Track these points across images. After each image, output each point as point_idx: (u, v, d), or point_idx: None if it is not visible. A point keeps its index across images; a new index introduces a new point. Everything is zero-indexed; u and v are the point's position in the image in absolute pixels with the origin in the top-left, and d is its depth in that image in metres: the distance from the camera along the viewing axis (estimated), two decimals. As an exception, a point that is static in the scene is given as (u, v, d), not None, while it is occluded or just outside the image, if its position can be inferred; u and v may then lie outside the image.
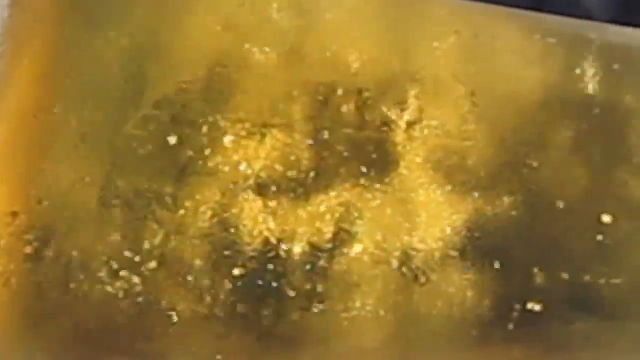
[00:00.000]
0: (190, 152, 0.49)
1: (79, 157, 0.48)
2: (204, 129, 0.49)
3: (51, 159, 0.48)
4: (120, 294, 0.48)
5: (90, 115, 0.49)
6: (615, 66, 0.52)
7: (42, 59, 0.49)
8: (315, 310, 0.49)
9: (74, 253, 0.48)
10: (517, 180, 0.50)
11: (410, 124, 0.50)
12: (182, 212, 0.48)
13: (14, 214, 0.48)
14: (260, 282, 0.49)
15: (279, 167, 0.49)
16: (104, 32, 0.49)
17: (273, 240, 0.49)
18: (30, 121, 0.49)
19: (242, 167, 0.49)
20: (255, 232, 0.49)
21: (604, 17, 0.66)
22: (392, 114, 0.50)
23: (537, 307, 0.50)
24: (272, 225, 0.49)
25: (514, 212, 0.50)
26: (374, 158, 0.49)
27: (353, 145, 0.49)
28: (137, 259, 0.48)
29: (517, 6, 0.53)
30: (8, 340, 0.49)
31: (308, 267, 0.49)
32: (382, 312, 0.49)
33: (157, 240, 0.48)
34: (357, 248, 0.49)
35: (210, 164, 0.49)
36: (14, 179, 0.49)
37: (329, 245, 0.49)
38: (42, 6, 0.50)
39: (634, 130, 0.52)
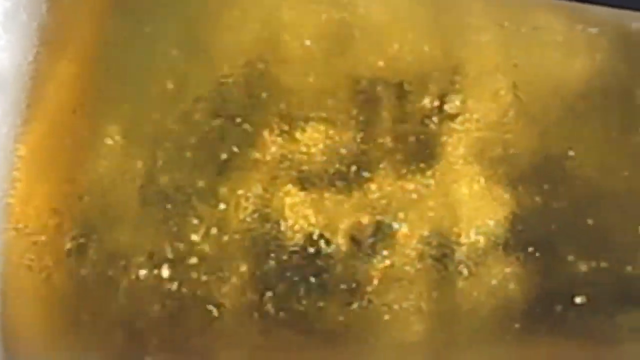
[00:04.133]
0: (231, 147, 0.48)
1: (120, 153, 0.48)
2: (245, 123, 0.48)
3: (92, 155, 0.48)
4: (162, 290, 0.48)
5: (131, 111, 0.48)
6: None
7: (82, 55, 0.49)
8: (357, 305, 0.49)
9: (115, 249, 0.48)
10: (559, 172, 0.50)
11: (452, 117, 0.50)
12: (222, 207, 0.48)
13: (55, 211, 0.48)
14: (302, 277, 0.48)
15: (320, 161, 0.49)
16: (144, 28, 0.49)
17: (315, 235, 0.48)
18: (70, 118, 0.48)
19: (283, 161, 0.48)
20: (296, 227, 0.48)
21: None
22: (434, 107, 0.49)
23: (581, 300, 0.50)
24: (313, 219, 0.48)
25: (556, 204, 0.50)
26: (416, 151, 0.49)
27: (395, 138, 0.49)
28: (178, 254, 0.48)
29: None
30: (49, 335, 0.49)
31: (350, 261, 0.49)
32: (423, 306, 0.49)
33: (198, 235, 0.48)
34: (399, 242, 0.49)
35: (251, 158, 0.48)
36: (54, 175, 0.48)
37: (371, 240, 0.49)
38: (81, 1, 0.50)
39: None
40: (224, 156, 0.48)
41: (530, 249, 0.49)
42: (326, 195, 0.49)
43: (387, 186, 0.49)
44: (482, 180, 0.49)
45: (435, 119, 0.49)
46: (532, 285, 0.50)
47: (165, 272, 0.48)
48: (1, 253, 0.48)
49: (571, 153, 0.50)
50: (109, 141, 0.48)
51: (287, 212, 0.48)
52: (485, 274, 0.49)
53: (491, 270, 0.49)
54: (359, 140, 0.49)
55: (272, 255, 0.48)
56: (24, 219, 0.48)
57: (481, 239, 0.49)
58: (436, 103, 0.50)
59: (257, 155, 0.48)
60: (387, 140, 0.49)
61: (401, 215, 0.49)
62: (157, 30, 0.49)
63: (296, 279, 0.48)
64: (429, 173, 0.49)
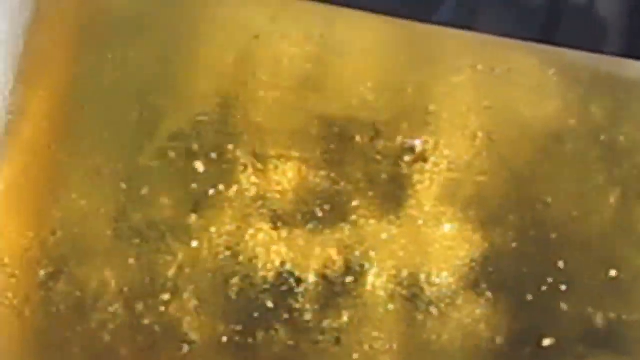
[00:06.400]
0: (205, 184, 0.49)
1: (94, 189, 0.48)
2: (219, 161, 0.49)
3: (66, 190, 0.49)
4: (133, 326, 0.48)
5: (106, 146, 0.49)
6: (629, 102, 0.52)
7: (58, 89, 0.49)
8: (328, 343, 0.49)
9: (87, 284, 0.48)
10: (530, 215, 0.50)
11: (424, 158, 0.50)
12: (195, 244, 0.48)
13: (29, 245, 0.48)
14: (272, 315, 0.49)
15: (293, 199, 0.49)
16: (119, 64, 0.49)
17: (286, 273, 0.49)
18: (45, 152, 0.49)
19: (256, 199, 0.49)
20: (268, 265, 0.49)
21: (619, 24, 0.66)
22: (407, 147, 0.50)
23: (549, 342, 0.50)
24: (285, 257, 0.49)
25: (526, 247, 0.50)
26: (388, 191, 0.49)
27: (367, 177, 0.49)
28: (150, 290, 0.48)
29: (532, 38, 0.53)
30: (21, 371, 0.49)
31: (321, 300, 0.49)
32: (394, 346, 0.49)
33: (171, 272, 0.48)
34: (370, 281, 0.49)
35: (224, 196, 0.49)
36: (28, 209, 0.49)
37: (342, 279, 0.49)
38: (57, 34, 0.50)
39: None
40: (198, 193, 0.49)
41: (500, 291, 0.50)
42: (298, 233, 0.49)
43: (358, 225, 0.49)
44: (454, 221, 0.50)
45: (407, 159, 0.50)
46: (502, 327, 0.50)
47: (137, 307, 0.48)
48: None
49: (542, 196, 0.50)
50: (83, 177, 0.49)
51: (259, 250, 0.49)
52: (455, 315, 0.49)
53: (461, 311, 0.50)
54: (331, 179, 0.49)
55: (244, 293, 0.49)
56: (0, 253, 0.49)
57: (451, 279, 0.49)
58: (409, 143, 0.50)
59: (230, 193, 0.49)
60: (359, 180, 0.49)
61: (372, 254, 0.49)
62: (131, 66, 0.49)
63: (267, 316, 0.49)
64: (400, 213, 0.49)
